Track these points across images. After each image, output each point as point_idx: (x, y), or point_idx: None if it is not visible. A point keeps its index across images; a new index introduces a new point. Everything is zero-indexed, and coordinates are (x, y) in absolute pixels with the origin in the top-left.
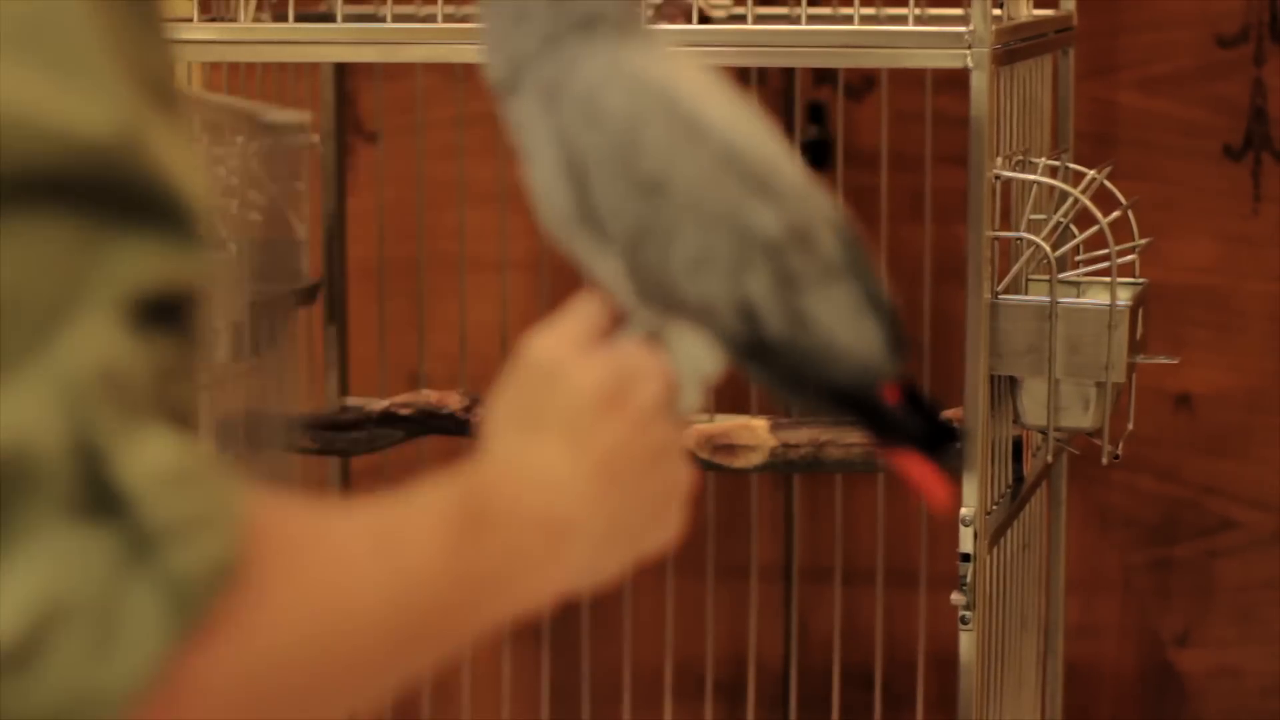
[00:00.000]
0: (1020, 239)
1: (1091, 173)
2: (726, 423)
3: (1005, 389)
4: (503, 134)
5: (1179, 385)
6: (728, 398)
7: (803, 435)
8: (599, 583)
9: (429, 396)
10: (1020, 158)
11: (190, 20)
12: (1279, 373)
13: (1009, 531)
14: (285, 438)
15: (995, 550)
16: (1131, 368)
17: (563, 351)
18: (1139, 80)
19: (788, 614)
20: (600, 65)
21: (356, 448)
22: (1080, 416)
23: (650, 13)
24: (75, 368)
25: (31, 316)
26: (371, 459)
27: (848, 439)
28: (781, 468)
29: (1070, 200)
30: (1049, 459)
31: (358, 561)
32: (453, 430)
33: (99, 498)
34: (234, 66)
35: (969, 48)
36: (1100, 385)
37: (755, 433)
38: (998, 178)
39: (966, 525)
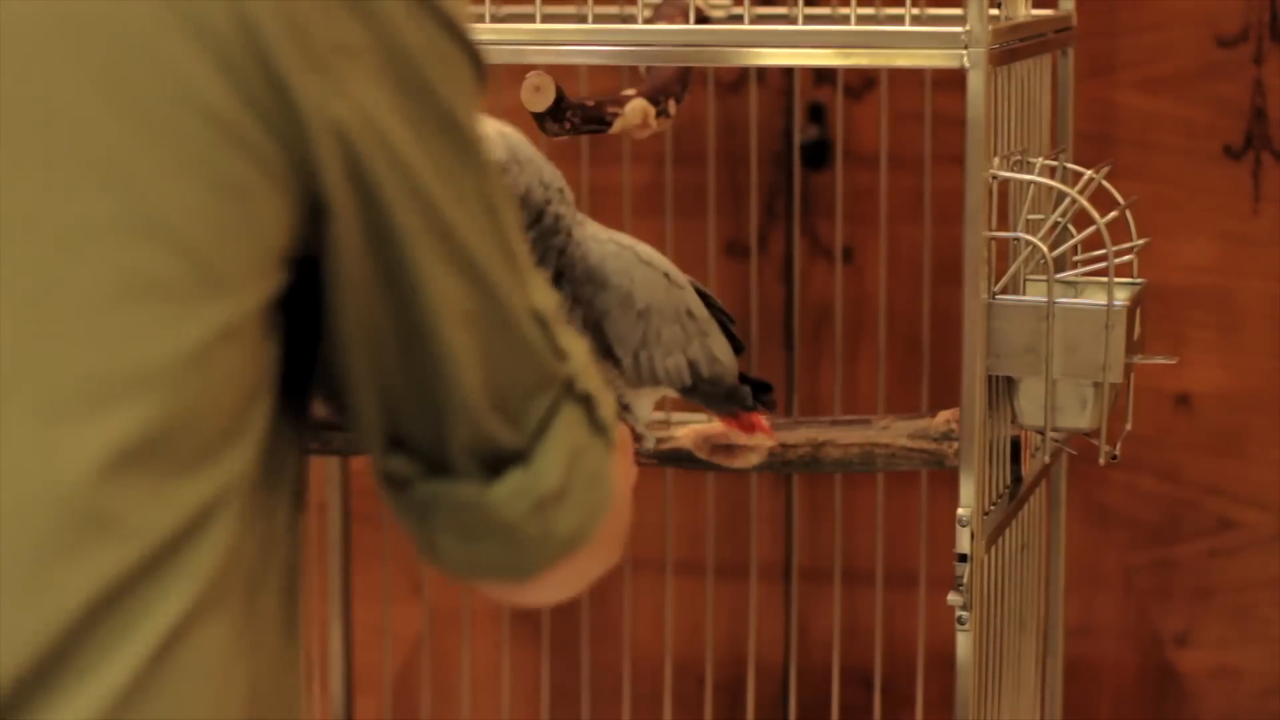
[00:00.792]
0: (1018, 239)
1: (1089, 173)
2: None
3: (1003, 389)
4: None
5: (1179, 385)
6: None
7: (800, 435)
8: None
9: None
10: (1018, 158)
11: None
12: (1279, 373)
13: (1008, 532)
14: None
15: (994, 550)
16: (1129, 368)
17: None
18: (1138, 80)
19: (787, 614)
20: (590, 245)
21: (357, 448)
22: (1077, 417)
23: (649, 13)
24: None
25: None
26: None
27: (846, 439)
28: (780, 468)
29: (1068, 200)
30: (1046, 459)
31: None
32: None
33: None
34: None
35: (965, 48)
36: (1098, 385)
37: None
38: (995, 178)
39: (963, 526)
